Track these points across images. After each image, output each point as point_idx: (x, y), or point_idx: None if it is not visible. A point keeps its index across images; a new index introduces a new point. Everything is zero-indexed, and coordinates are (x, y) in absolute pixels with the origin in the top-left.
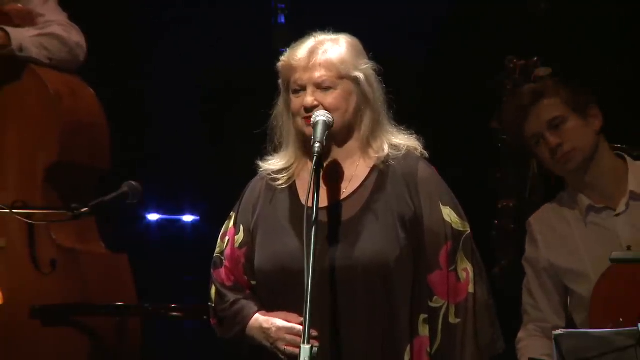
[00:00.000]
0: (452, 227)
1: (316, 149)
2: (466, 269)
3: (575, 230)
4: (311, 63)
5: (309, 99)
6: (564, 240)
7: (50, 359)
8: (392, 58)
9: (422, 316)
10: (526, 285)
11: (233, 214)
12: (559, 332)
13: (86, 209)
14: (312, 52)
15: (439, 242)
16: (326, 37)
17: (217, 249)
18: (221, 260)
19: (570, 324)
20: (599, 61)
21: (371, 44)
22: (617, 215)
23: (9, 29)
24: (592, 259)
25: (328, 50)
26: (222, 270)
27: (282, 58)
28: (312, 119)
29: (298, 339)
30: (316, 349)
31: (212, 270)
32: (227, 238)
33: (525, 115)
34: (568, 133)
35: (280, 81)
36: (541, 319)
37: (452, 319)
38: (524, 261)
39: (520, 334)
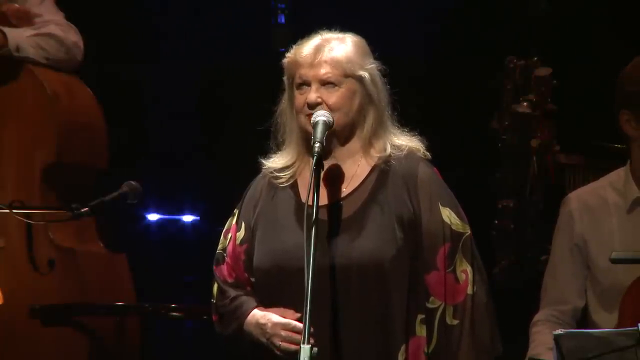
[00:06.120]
0: (451, 229)
1: (316, 149)
2: (465, 271)
3: (614, 217)
4: (317, 60)
5: (312, 95)
6: (599, 224)
7: (49, 359)
8: (392, 58)
9: (420, 316)
10: (550, 266)
11: (236, 211)
12: (559, 332)
13: (86, 209)
14: (318, 49)
15: (436, 243)
16: (332, 35)
17: (220, 246)
18: (223, 256)
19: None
20: (598, 61)
21: (371, 43)
22: None
23: (6, 29)
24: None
25: (334, 48)
26: (224, 267)
27: (288, 54)
28: (312, 119)
29: (293, 334)
30: (316, 349)
31: (214, 267)
32: (229, 235)
33: None
34: None
35: (285, 77)
36: (561, 300)
37: (450, 320)
38: (554, 238)
39: (537, 317)
